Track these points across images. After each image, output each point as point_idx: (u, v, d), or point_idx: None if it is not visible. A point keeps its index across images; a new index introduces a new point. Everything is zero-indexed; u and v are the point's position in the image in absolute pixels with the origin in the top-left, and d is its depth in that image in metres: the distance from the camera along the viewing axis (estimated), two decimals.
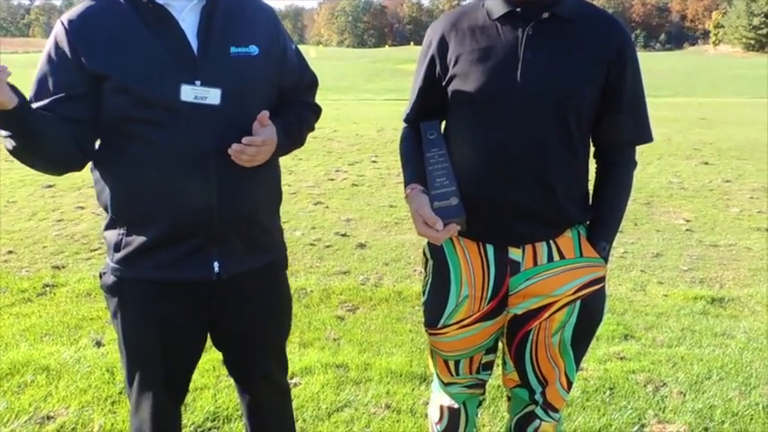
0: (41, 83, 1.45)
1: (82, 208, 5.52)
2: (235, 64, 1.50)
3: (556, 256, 1.56)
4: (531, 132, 1.48)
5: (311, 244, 4.70)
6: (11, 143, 1.38)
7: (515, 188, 1.50)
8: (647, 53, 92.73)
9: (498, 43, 1.49)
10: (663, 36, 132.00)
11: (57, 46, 1.45)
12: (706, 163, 7.64)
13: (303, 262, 4.31)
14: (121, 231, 1.53)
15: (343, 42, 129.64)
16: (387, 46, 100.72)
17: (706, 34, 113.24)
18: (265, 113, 1.48)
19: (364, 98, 18.65)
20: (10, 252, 4.42)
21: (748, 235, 4.91)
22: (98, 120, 1.48)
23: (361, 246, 4.68)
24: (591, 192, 1.65)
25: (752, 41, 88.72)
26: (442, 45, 1.57)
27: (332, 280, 3.99)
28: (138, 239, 1.51)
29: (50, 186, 6.14)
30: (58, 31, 1.45)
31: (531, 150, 1.49)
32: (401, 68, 34.86)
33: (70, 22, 1.45)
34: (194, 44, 1.46)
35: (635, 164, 1.62)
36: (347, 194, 6.20)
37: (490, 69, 1.48)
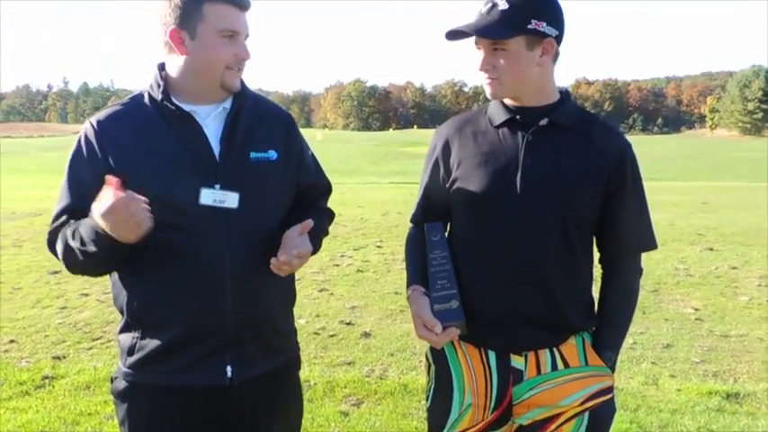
0: (75, 186, 1.50)
1: (86, 295, 5.51)
2: (254, 168, 1.55)
3: (560, 365, 1.53)
4: (532, 237, 1.49)
5: (315, 333, 4.65)
6: (90, 261, 1.43)
7: (517, 293, 1.50)
8: (645, 136, 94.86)
9: (499, 149, 1.53)
10: (660, 120, 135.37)
11: (86, 144, 1.50)
12: (711, 249, 7.62)
13: (307, 352, 4.24)
14: (136, 335, 1.53)
15: (348, 126, 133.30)
16: (391, 129, 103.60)
17: (702, 118, 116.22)
18: (309, 222, 1.51)
19: (369, 181, 18.97)
20: (11, 341, 4.37)
21: (759, 325, 4.83)
22: None
23: (366, 335, 4.62)
24: (596, 297, 1.64)
25: (748, 125, 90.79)
26: (446, 149, 1.62)
27: (336, 371, 3.91)
28: (151, 343, 1.51)
29: (56, 273, 6.15)
30: (87, 130, 1.51)
31: (533, 255, 1.49)
32: (405, 151, 35.70)
33: (99, 122, 1.51)
34: (216, 149, 1.52)
35: (641, 271, 1.62)
36: (352, 281, 6.19)
37: (491, 174, 1.51)
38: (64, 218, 1.50)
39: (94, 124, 1.51)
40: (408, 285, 1.62)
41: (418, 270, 1.62)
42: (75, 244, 1.41)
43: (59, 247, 1.48)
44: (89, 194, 1.43)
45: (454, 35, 1.48)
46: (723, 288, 5.88)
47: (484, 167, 1.53)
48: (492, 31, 1.43)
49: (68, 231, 1.45)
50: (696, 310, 5.21)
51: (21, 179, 17.81)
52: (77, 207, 1.47)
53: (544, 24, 1.45)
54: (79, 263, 1.46)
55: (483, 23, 1.45)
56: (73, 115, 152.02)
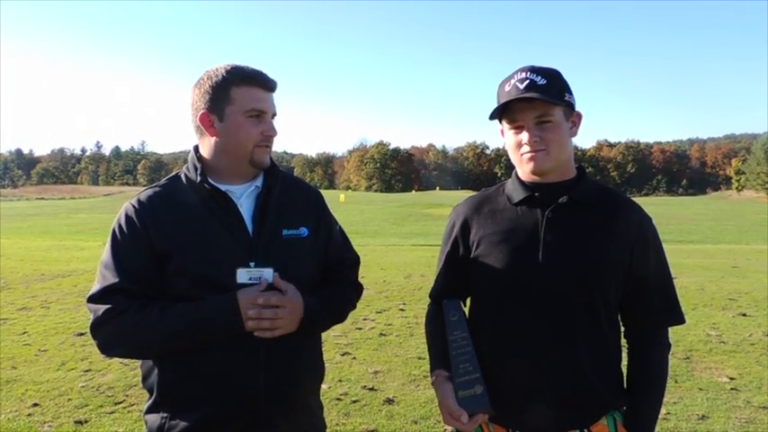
0: (121, 266, 1.48)
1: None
2: (286, 245, 1.59)
3: None
4: (557, 312, 1.47)
5: (337, 398, 4.57)
6: (172, 343, 1.47)
7: (543, 370, 1.47)
8: (670, 197, 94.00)
9: (519, 226, 1.53)
10: (684, 181, 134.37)
11: (127, 225, 1.51)
12: (744, 315, 7.39)
13: (329, 419, 4.15)
14: (165, 415, 1.52)
15: (371, 187, 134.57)
16: (413, 191, 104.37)
17: (728, 179, 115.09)
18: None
19: (392, 243, 18.95)
20: (35, 405, 4.37)
21: None
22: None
23: (389, 401, 4.52)
24: (624, 373, 1.59)
25: None
26: (465, 228, 1.62)
27: None
28: (181, 423, 1.50)
29: (82, 334, 6.20)
30: (128, 210, 1.54)
31: (558, 330, 1.47)
32: (427, 212, 35.77)
33: (139, 201, 1.55)
34: (250, 227, 1.56)
35: (669, 346, 1.57)
36: (375, 345, 6.11)
37: (512, 251, 1.51)
38: (119, 297, 1.47)
39: (136, 204, 1.54)
40: (431, 370, 1.60)
41: (439, 352, 1.60)
42: (176, 326, 1.45)
43: (127, 324, 1.46)
44: (135, 273, 1.46)
45: (503, 111, 1.49)
46: (758, 356, 5.67)
47: (504, 245, 1.53)
48: (546, 95, 1.44)
49: (156, 309, 1.46)
50: (731, 379, 5.01)
51: (50, 240, 18.19)
52: (126, 287, 1.47)
53: (573, 98, 1.49)
54: (154, 343, 1.46)
55: (531, 94, 1.45)
56: (104, 177, 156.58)
